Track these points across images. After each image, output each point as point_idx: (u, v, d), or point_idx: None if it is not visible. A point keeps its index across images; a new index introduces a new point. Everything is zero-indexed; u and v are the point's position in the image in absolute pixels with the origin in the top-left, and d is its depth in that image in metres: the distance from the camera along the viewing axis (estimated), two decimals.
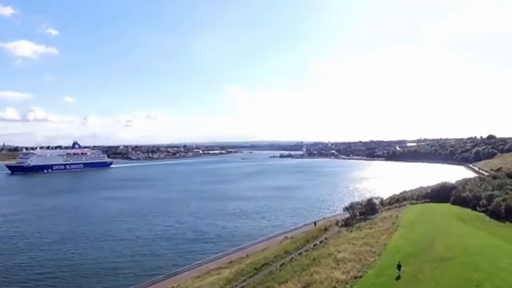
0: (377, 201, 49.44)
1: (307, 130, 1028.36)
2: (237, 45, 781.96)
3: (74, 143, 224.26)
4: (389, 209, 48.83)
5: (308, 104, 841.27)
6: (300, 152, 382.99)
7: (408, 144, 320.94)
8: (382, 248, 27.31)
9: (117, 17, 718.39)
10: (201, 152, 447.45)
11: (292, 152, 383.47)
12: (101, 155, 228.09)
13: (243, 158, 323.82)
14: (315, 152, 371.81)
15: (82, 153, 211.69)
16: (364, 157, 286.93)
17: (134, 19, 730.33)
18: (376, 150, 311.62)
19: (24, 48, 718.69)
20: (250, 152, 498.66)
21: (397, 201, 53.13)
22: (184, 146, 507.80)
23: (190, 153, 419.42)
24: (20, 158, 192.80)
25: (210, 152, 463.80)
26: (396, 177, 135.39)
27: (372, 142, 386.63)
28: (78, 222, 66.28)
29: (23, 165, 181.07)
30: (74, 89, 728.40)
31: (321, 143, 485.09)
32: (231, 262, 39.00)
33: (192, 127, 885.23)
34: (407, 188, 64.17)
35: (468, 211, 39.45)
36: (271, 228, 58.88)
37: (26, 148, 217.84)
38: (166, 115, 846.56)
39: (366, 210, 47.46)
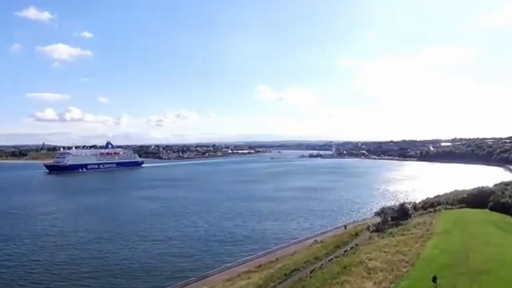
0: (409, 206, 48.17)
1: (336, 129, 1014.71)
2: (266, 44, 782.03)
3: (107, 143, 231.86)
4: (422, 214, 47.54)
5: (337, 103, 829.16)
6: (330, 152, 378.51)
7: (443, 144, 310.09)
8: (416, 258, 26.61)
9: (147, 19, 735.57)
10: (230, 151, 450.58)
11: (321, 152, 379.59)
12: (132, 155, 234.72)
13: (272, 158, 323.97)
14: (344, 152, 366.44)
15: (114, 153, 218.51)
16: (396, 158, 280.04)
17: (164, 21, 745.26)
18: (409, 150, 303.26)
19: (60, 51, 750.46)
20: (279, 152, 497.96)
21: (431, 205, 51.55)
22: (213, 146, 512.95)
23: (219, 153, 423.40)
24: (57, 157, 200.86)
25: (239, 151, 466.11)
26: (429, 179, 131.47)
27: (404, 141, 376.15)
28: (112, 221, 68.45)
29: (60, 164, 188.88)
30: (107, 90, 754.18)
31: (351, 143, 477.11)
32: (260, 266, 39.12)
33: (221, 126, 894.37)
34: (442, 192, 62.24)
35: (508, 218, 37.80)
36: (300, 230, 58.49)
37: (63, 148, 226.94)
38: (196, 114, 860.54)
39: (398, 215, 46.43)
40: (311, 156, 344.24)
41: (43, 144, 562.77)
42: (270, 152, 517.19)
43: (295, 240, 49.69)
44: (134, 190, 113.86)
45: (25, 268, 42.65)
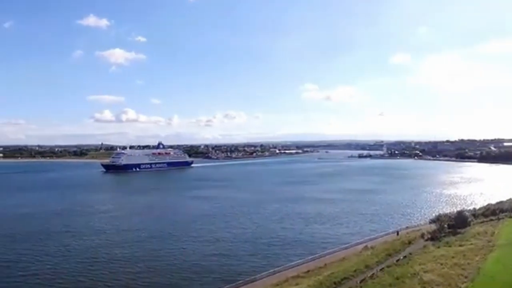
0: (468, 213, 45.29)
1: (387, 128, 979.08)
2: (313, 43, 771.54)
3: (159, 144, 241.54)
4: (483, 222, 44.57)
5: (388, 101, 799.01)
6: (380, 152, 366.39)
7: (506, 144, 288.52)
8: (476, 273, 24.96)
9: (196, 22, 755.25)
10: (277, 151, 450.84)
11: (372, 152, 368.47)
12: (182, 155, 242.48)
13: (320, 158, 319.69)
14: (396, 152, 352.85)
15: (166, 153, 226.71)
16: (453, 159, 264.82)
17: (212, 23, 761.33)
18: (467, 150, 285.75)
19: (117, 55, 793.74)
20: (327, 152, 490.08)
21: (493, 213, 48.20)
22: (261, 146, 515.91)
23: (267, 153, 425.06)
24: (112, 157, 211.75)
25: (287, 151, 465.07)
26: (491, 182, 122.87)
27: (462, 141, 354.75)
28: (164, 221, 71.02)
29: (115, 164, 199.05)
30: (159, 92, 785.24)
31: (403, 142, 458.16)
32: (308, 271, 38.64)
33: (268, 126, 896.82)
34: (505, 197, 58.01)
35: None
36: (349, 235, 57.10)
37: (119, 148, 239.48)
38: (243, 114, 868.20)
39: (456, 222, 43.84)
40: (360, 156, 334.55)
41: (102, 144, 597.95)
42: (318, 152, 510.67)
43: (344, 246, 48.44)
44: (185, 190, 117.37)
45: (84, 264, 45.37)
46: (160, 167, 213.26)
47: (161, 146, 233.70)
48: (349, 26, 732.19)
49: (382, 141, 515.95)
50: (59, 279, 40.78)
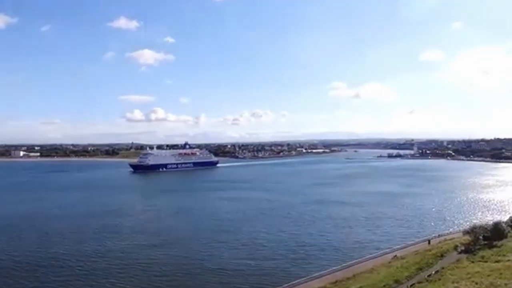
0: (505, 225, 43.16)
1: (418, 126, 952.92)
2: (340, 41, 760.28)
3: (185, 144, 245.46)
4: None
5: (418, 98, 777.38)
6: (411, 152, 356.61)
7: None
8: None
9: (222, 21, 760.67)
10: (304, 151, 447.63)
11: (401, 152, 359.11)
12: (208, 155, 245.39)
13: (348, 158, 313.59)
14: (428, 151, 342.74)
15: (192, 153, 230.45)
16: (488, 159, 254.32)
17: (238, 22, 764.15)
18: (504, 150, 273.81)
19: (146, 56, 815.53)
20: (355, 151, 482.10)
21: None
22: (288, 145, 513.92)
23: (294, 152, 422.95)
24: (140, 157, 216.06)
25: (314, 151, 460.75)
26: None
27: (498, 140, 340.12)
28: (194, 223, 72.10)
29: (142, 164, 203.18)
30: (188, 91, 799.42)
31: (435, 141, 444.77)
32: (336, 282, 38.03)
33: (295, 124, 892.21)
34: None
35: None
36: (378, 242, 55.68)
37: (148, 147, 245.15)
38: (270, 113, 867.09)
39: (492, 234, 41.91)
40: (390, 156, 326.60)
41: (132, 143, 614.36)
42: (346, 151, 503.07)
43: (373, 255, 47.36)
44: (211, 191, 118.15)
45: (122, 265, 46.62)
46: (186, 167, 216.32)
47: (187, 146, 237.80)
48: (378, 21, 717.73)
49: (412, 140, 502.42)
50: (98, 279, 42.19)
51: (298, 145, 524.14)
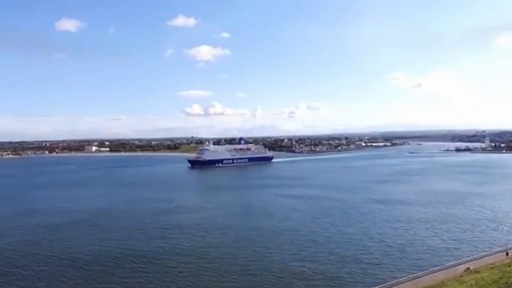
0: None
1: (490, 116, 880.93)
2: (399, 29, 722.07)
3: (240, 139, 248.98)
4: None
5: (490, 86, 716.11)
6: (482, 145, 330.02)
7: None
8: None
9: (278, 14, 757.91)
10: (363, 144, 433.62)
11: (471, 145, 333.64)
12: (263, 150, 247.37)
13: (411, 152, 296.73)
14: (502, 144, 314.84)
15: (247, 148, 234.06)
16: None
17: (294, 14, 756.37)
18: None
19: (204, 52, 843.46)
20: (419, 144, 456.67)
21: None
22: (346, 138, 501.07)
23: (352, 146, 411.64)
24: (197, 153, 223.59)
25: (373, 144, 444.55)
26: None
27: None
28: (259, 221, 72.34)
29: (199, 160, 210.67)
30: (244, 85, 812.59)
31: (510, 133, 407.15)
32: None
33: (353, 116, 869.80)
34: None
35: None
36: (446, 250, 51.74)
37: (207, 141, 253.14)
38: (327, 105, 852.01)
39: None
40: (458, 150, 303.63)
41: (192, 137, 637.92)
42: (409, 144, 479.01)
43: (443, 266, 44.18)
44: (267, 188, 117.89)
45: (187, 261, 48.69)
46: (241, 162, 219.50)
47: (242, 142, 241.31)
48: (443, 3, 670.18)
49: (483, 131, 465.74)
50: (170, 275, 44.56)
51: (356, 139, 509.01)
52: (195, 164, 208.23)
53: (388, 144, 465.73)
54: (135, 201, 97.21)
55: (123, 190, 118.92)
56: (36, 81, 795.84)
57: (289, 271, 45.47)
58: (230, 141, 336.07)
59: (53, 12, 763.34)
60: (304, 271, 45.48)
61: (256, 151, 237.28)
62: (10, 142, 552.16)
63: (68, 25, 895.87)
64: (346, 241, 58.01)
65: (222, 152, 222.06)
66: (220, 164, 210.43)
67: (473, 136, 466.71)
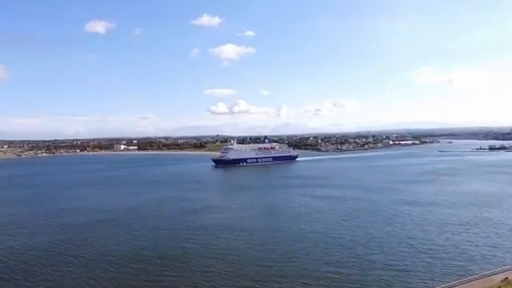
0: None
1: None
2: (428, 24, 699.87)
3: (264, 138, 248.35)
4: None
5: None
6: None
7: None
8: None
9: (301, 11, 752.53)
10: (391, 143, 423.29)
11: (506, 143, 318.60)
12: (287, 149, 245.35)
13: (441, 151, 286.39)
14: None
15: (271, 147, 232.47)
16: None
17: (317, 11, 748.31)
18: None
19: (228, 50, 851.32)
20: (449, 142, 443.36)
21: None
22: (373, 136, 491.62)
23: (379, 144, 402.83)
24: (221, 152, 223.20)
25: (401, 142, 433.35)
26: None
27: None
28: (280, 222, 71.92)
29: (223, 159, 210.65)
30: (268, 83, 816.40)
31: None
32: None
33: (380, 113, 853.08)
34: None
35: None
36: (481, 257, 48.94)
37: (232, 139, 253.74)
38: (353, 102, 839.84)
39: None
40: (491, 148, 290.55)
41: (217, 135, 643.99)
42: (439, 142, 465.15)
43: (478, 274, 41.79)
44: (292, 188, 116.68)
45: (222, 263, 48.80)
46: (265, 162, 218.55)
47: (266, 141, 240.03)
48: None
49: None
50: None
51: (384, 137, 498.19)
52: (219, 163, 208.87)
53: (417, 142, 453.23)
54: (161, 200, 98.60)
55: (150, 189, 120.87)
56: (68, 81, 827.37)
57: (314, 276, 44.48)
58: (255, 140, 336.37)
59: (84, 14, 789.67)
60: (329, 276, 44.42)
61: (280, 150, 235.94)
62: (44, 141, 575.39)
63: (98, 26, 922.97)
64: (374, 245, 56.12)
65: (246, 151, 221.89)
66: (244, 163, 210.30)
67: (508, 133, 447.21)
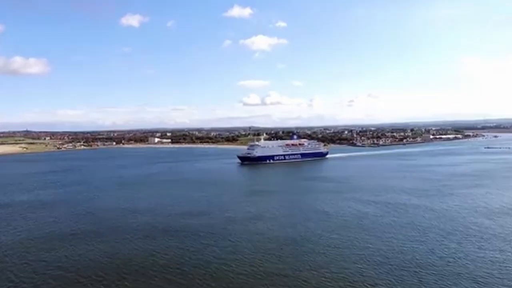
0: None
1: None
2: (472, 10, 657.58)
3: (293, 134, 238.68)
4: None
5: None
6: None
7: None
8: None
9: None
10: (431, 137, 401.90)
11: None
12: (317, 145, 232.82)
13: (488, 147, 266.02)
14: None
15: (299, 144, 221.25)
16: None
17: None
18: None
19: (260, 42, 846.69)
20: (495, 137, 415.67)
21: None
22: (411, 130, 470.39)
23: (419, 139, 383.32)
24: (248, 149, 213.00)
25: (443, 137, 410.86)
26: None
27: None
28: (326, 229, 65.07)
29: (250, 156, 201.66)
30: (301, 74, 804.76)
31: None
32: None
33: (418, 104, 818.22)
34: None
35: None
36: None
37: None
38: (388, 92, 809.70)
39: None
40: None
41: (250, 128, 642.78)
42: (483, 136, 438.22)
43: None
44: (326, 194, 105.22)
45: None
46: (294, 158, 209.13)
47: (294, 137, 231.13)
48: None
49: None
50: None
51: (423, 130, 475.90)
52: (245, 160, 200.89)
53: (459, 136, 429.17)
54: (184, 204, 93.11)
55: (176, 191, 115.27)
56: (106, 74, 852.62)
57: None
58: (288, 133, 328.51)
59: (118, 7, 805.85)
60: None
61: (309, 146, 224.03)
62: (84, 132, 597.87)
63: (132, 20, 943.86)
64: (454, 270, 47.38)
65: (273, 147, 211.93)
66: (271, 161, 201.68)
67: None
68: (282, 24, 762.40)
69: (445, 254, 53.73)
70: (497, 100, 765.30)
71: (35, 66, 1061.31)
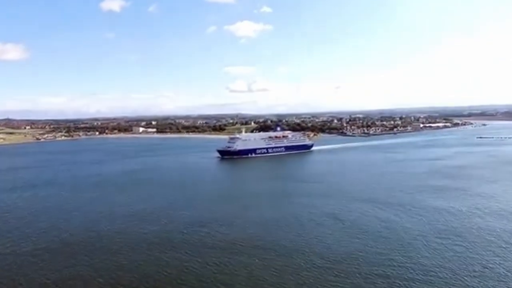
0: None
1: None
2: None
3: (276, 125, 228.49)
4: None
5: None
6: None
7: None
8: None
9: None
10: (421, 126, 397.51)
11: None
12: (301, 138, 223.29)
13: (480, 137, 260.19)
14: None
15: (283, 136, 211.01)
16: None
17: None
18: None
19: (245, 27, 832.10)
20: (483, 125, 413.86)
21: None
22: (401, 118, 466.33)
23: (409, 128, 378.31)
24: (228, 142, 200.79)
25: (432, 125, 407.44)
26: None
27: None
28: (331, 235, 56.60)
29: (230, 150, 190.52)
30: (287, 60, 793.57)
31: None
32: None
33: (405, 90, 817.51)
34: None
35: None
36: None
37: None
38: (376, 77, 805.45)
39: None
40: None
41: (237, 115, 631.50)
42: (471, 124, 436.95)
43: None
44: (313, 198, 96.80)
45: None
46: (277, 151, 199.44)
47: (278, 129, 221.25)
48: None
49: None
50: None
51: (413, 118, 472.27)
52: (225, 154, 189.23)
53: (449, 124, 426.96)
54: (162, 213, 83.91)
55: (129, 198, 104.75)
56: (89, 60, 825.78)
57: None
58: (277, 123, 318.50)
59: None
60: None
61: (293, 138, 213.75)
62: (66, 121, 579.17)
63: (113, 4, 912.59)
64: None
65: (255, 140, 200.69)
66: (254, 154, 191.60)
67: None
68: (267, 9, 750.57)
69: None
70: (484, 84, 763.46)
71: (13, 51, 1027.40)
